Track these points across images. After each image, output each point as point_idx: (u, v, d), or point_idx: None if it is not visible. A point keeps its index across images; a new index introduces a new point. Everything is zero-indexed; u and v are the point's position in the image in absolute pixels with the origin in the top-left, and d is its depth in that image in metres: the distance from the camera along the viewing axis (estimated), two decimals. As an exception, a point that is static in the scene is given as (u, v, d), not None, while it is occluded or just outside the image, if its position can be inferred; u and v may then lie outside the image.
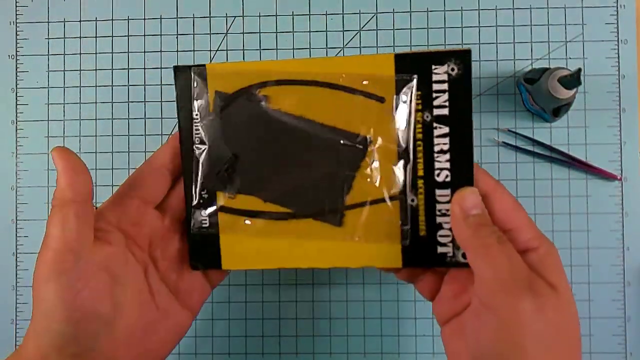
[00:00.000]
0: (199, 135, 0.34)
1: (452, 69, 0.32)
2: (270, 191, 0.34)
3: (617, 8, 0.46)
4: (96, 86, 0.48)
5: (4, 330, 0.47)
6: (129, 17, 0.48)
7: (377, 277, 0.46)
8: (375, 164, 0.33)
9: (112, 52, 0.48)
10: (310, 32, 0.47)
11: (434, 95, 0.32)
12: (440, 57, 0.32)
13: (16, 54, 0.48)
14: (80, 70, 0.48)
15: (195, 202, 0.35)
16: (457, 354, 0.32)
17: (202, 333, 0.46)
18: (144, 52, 0.48)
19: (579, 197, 0.45)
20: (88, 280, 0.30)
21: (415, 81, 0.32)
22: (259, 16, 0.47)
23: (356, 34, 0.47)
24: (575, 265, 0.45)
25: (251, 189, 0.34)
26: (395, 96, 0.33)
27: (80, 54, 0.48)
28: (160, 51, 0.48)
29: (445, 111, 0.32)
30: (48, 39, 0.48)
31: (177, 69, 0.34)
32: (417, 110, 0.33)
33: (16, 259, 0.47)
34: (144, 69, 0.48)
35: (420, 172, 0.33)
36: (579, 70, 0.39)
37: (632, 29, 0.46)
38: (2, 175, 0.48)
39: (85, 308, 0.30)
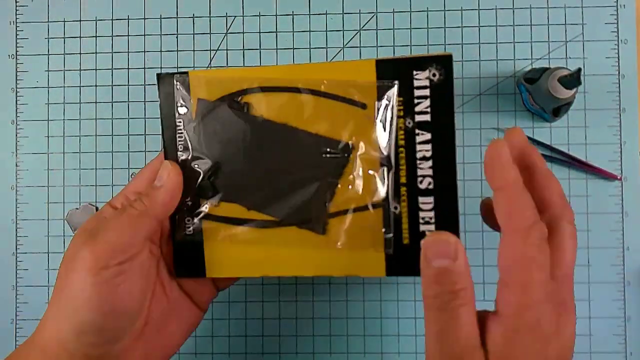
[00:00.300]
0: (182, 143, 0.34)
1: (434, 75, 0.32)
2: (253, 199, 0.34)
3: (617, 8, 0.46)
4: (96, 86, 0.48)
5: (4, 330, 0.47)
6: (129, 17, 0.48)
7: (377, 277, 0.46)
8: (358, 171, 0.33)
9: (112, 52, 0.48)
10: (310, 32, 0.47)
11: (416, 101, 0.32)
12: (421, 63, 0.32)
13: (16, 54, 0.48)
14: (80, 70, 0.48)
15: (180, 210, 0.34)
16: None
17: (202, 333, 0.46)
18: (144, 52, 0.48)
19: (579, 197, 0.45)
20: (127, 279, 0.31)
21: (396, 87, 0.32)
22: (259, 16, 0.47)
23: (356, 34, 0.47)
24: (576, 265, 0.45)
25: (234, 196, 0.34)
26: (377, 102, 0.32)
27: (80, 53, 0.48)
28: (160, 51, 0.48)
29: (427, 117, 0.32)
30: (48, 38, 0.48)
31: (160, 76, 0.34)
32: (398, 117, 0.32)
33: (16, 259, 0.47)
34: (144, 69, 0.48)
35: (403, 180, 0.32)
36: (579, 70, 0.39)
37: (632, 29, 0.46)
38: (2, 175, 0.48)
39: (117, 303, 0.31)
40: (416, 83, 0.32)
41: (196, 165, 0.34)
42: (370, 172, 0.33)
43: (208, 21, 0.48)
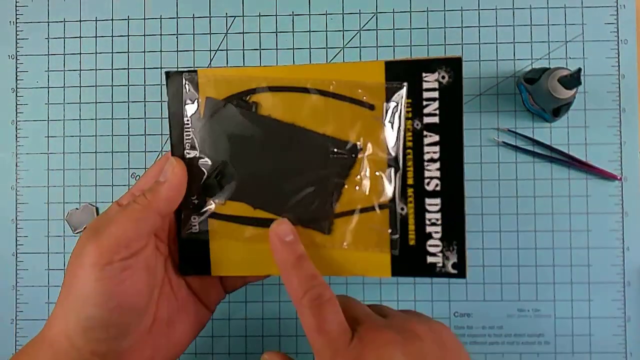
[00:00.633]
0: (189, 141, 0.34)
1: (443, 77, 0.32)
2: (259, 198, 0.34)
3: (617, 8, 0.46)
4: (96, 86, 0.48)
5: (4, 330, 0.47)
6: (129, 17, 0.48)
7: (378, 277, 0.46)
8: (365, 172, 0.33)
9: (112, 52, 0.48)
10: (310, 32, 0.47)
11: (425, 103, 0.32)
12: (431, 65, 0.32)
13: (16, 54, 0.48)
14: (80, 70, 0.48)
15: (186, 208, 0.34)
16: None
17: (202, 333, 0.46)
18: (144, 52, 0.48)
19: (579, 197, 0.45)
20: (133, 274, 0.31)
21: (405, 89, 0.32)
22: (259, 16, 0.47)
23: (356, 34, 0.47)
24: (575, 265, 0.45)
25: (241, 195, 0.34)
26: (385, 104, 0.32)
27: (80, 54, 0.48)
28: (160, 51, 0.48)
29: (436, 119, 0.32)
30: (48, 39, 0.48)
31: (168, 74, 0.34)
32: (407, 118, 0.32)
33: (16, 259, 0.47)
34: (144, 69, 0.48)
35: (410, 181, 0.32)
36: (579, 70, 0.39)
37: (632, 29, 0.46)
38: (2, 175, 0.48)
39: (123, 298, 0.31)
40: (425, 85, 0.32)
41: (203, 164, 0.34)
42: (378, 173, 0.33)
43: (208, 21, 0.48)
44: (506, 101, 0.46)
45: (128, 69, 0.48)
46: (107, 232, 0.31)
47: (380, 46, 0.47)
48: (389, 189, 0.33)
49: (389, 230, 0.33)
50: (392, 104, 0.32)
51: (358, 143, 0.33)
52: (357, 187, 0.33)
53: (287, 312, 0.46)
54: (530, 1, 0.46)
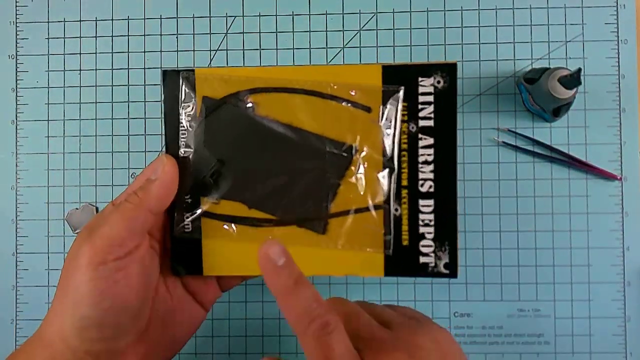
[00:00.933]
0: (184, 140, 0.34)
1: (438, 82, 0.32)
2: (255, 197, 0.34)
3: (617, 8, 0.46)
4: (96, 86, 0.48)
5: (4, 330, 0.47)
6: (129, 17, 0.48)
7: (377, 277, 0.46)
8: (361, 173, 0.33)
9: (112, 52, 0.48)
10: (310, 32, 0.47)
11: (420, 106, 0.33)
12: (427, 70, 0.33)
13: (16, 54, 0.48)
14: (80, 70, 0.48)
15: (178, 207, 0.34)
16: None
17: (202, 333, 0.46)
18: (144, 52, 0.48)
19: (579, 197, 0.45)
20: (127, 275, 0.31)
21: (401, 92, 0.33)
22: (259, 16, 0.47)
23: (356, 34, 0.47)
24: (575, 265, 0.45)
25: (236, 194, 0.34)
26: (382, 106, 0.33)
27: (80, 54, 0.48)
28: (160, 51, 0.48)
29: (431, 123, 0.33)
30: (48, 39, 0.48)
31: (165, 73, 0.34)
32: (402, 121, 0.33)
33: (16, 259, 0.47)
34: (144, 69, 0.48)
35: (405, 182, 0.33)
36: (579, 70, 0.39)
37: (632, 29, 0.46)
38: (2, 175, 0.48)
39: (117, 298, 0.31)
40: (421, 89, 0.33)
41: (197, 163, 0.34)
42: (373, 174, 0.33)
43: (208, 21, 0.48)
44: (506, 101, 0.46)
45: (128, 69, 0.48)
46: (100, 232, 0.31)
47: (380, 46, 0.47)
48: (384, 190, 0.33)
49: (383, 231, 0.33)
50: (389, 107, 0.33)
51: (354, 144, 0.33)
52: (352, 188, 0.33)
53: (287, 312, 0.46)
54: (530, 1, 0.46)
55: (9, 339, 0.47)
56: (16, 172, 0.48)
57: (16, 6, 0.48)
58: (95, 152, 0.47)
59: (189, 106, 0.34)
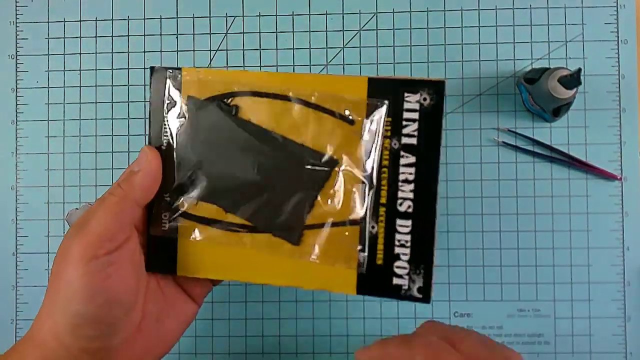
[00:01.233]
0: (167, 138, 0.34)
1: (425, 99, 0.31)
2: (232, 202, 0.33)
3: (617, 8, 0.46)
4: (96, 86, 0.48)
5: (4, 330, 0.47)
6: (129, 17, 0.48)
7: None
8: (340, 186, 0.32)
9: (112, 52, 0.48)
10: (310, 32, 0.47)
11: (404, 123, 0.32)
12: (413, 85, 0.31)
13: (16, 54, 0.48)
14: (80, 70, 0.48)
15: (157, 204, 0.34)
16: None
17: (202, 333, 0.46)
18: (144, 52, 0.48)
19: (579, 197, 0.45)
20: (119, 269, 0.31)
21: (385, 107, 0.32)
22: (259, 16, 0.47)
23: (356, 34, 0.47)
24: (575, 265, 0.45)
25: (213, 197, 0.34)
26: (365, 120, 0.32)
27: (80, 54, 0.48)
28: (160, 51, 0.48)
29: (414, 140, 0.32)
30: (48, 39, 0.48)
31: (153, 69, 0.34)
32: (385, 137, 0.32)
33: (16, 259, 0.47)
34: (144, 69, 0.48)
35: (383, 200, 0.32)
36: (579, 70, 0.39)
37: (632, 29, 0.46)
38: (2, 175, 0.48)
39: (110, 293, 0.31)
40: (406, 105, 0.32)
41: (178, 162, 0.34)
42: (351, 188, 0.32)
43: (208, 21, 0.48)
44: (506, 101, 0.46)
45: (128, 69, 0.48)
46: (89, 227, 0.31)
47: (380, 46, 0.47)
48: (361, 206, 0.32)
49: (358, 248, 0.32)
50: (372, 121, 0.32)
51: (335, 156, 0.32)
52: (329, 201, 0.33)
53: (287, 312, 0.46)
54: (530, 1, 0.46)
55: (9, 339, 0.47)
56: (16, 172, 0.48)
57: (16, 6, 0.48)
58: (95, 152, 0.47)
59: (173, 104, 0.34)
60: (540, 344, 0.45)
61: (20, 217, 0.48)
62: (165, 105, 0.34)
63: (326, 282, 0.33)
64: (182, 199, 0.34)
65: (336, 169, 0.32)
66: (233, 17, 0.47)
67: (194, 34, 0.48)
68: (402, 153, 0.32)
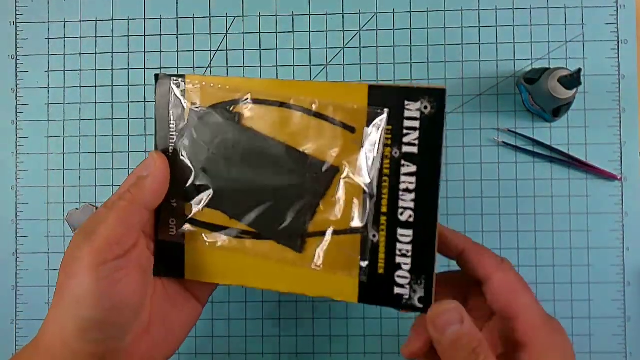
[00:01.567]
0: (173, 145, 0.34)
1: (425, 107, 0.31)
2: (236, 208, 0.34)
3: (617, 8, 0.46)
4: (96, 86, 0.48)
5: (4, 330, 0.47)
6: (129, 17, 0.48)
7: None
8: (340, 195, 0.32)
9: (112, 53, 0.48)
10: (310, 32, 0.47)
11: (405, 131, 0.31)
12: (414, 94, 0.31)
13: (16, 54, 0.48)
14: (80, 70, 0.48)
15: (164, 210, 0.34)
16: None
17: (202, 333, 0.46)
18: (144, 52, 0.48)
19: (579, 197, 0.45)
20: (128, 273, 0.31)
21: (385, 115, 0.31)
22: (259, 16, 0.47)
23: (356, 34, 0.47)
24: (575, 265, 0.45)
25: (218, 204, 0.34)
26: (365, 128, 0.32)
27: (80, 54, 0.48)
28: (160, 51, 0.48)
29: (415, 149, 0.31)
30: (48, 39, 0.48)
31: (157, 77, 0.34)
32: (385, 145, 0.32)
33: (16, 259, 0.47)
34: (144, 69, 0.48)
35: (384, 209, 0.32)
36: (579, 70, 0.39)
37: (632, 29, 0.46)
38: (2, 175, 0.48)
39: (119, 298, 0.31)
40: (407, 113, 0.31)
41: (184, 168, 0.34)
42: (352, 197, 0.32)
43: (208, 21, 0.48)
44: (506, 101, 0.46)
45: (128, 69, 0.48)
46: (99, 233, 0.31)
47: (380, 46, 0.47)
48: (361, 215, 0.32)
49: (359, 256, 0.32)
50: (373, 129, 0.32)
51: (336, 165, 0.32)
52: (331, 209, 0.33)
53: (287, 312, 0.46)
54: (530, 1, 0.46)
55: (9, 339, 0.47)
56: (16, 172, 0.48)
57: (16, 6, 0.48)
58: (95, 152, 0.47)
59: (177, 112, 0.34)
60: (540, 344, 0.45)
61: (20, 217, 0.48)
62: (170, 112, 0.34)
63: (328, 290, 0.33)
64: (188, 205, 0.34)
65: (337, 177, 0.32)
66: (233, 18, 0.47)
67: (194, 34, 0.48)
68: (402, 162, 0.31)
